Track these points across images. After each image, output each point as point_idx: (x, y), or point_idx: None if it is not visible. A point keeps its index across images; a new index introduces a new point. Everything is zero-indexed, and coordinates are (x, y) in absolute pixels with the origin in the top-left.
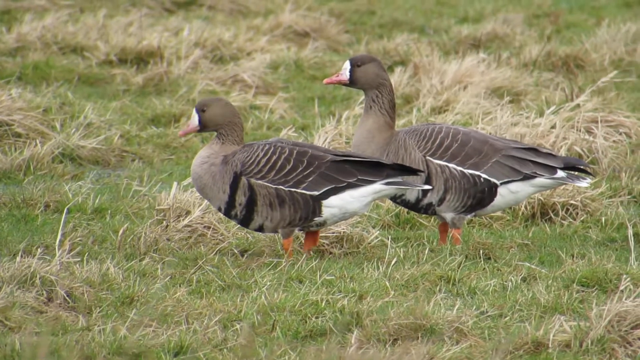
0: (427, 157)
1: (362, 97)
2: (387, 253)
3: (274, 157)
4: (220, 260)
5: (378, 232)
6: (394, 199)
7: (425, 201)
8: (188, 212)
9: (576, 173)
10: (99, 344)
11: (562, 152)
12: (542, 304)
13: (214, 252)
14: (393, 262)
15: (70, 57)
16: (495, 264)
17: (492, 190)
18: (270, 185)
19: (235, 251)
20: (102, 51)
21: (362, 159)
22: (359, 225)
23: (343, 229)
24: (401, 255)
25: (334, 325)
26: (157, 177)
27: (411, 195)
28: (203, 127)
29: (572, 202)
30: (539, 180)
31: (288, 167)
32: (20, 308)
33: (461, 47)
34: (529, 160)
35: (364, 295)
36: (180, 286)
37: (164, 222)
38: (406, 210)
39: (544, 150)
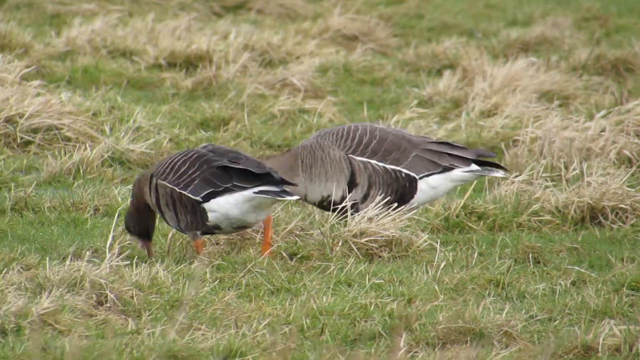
0: (349, 155)
1: (414, 101)
2: (436, 257)
3: (177, 160)
4: (269, 264)
5: (427, 235)
6: (321, 205)
7: (351, 198)
8: None
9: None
10: (148, 348)
11: (612, 156)
12: (592, 308)
13: (262, 256)
14: (442, 266)
15: (120, 61)
16: (545, 268)
17: (412, 185)
18: (167, 185)
19: (284, 255)
20: (151, 55)
21: (245, 167)
22: (408, 229)
23: (392, 232)
24: (450, 259)
25: (382, 329)
26: None
27: (337, 195)
28: (148, 236)
29: (622, 205)
30: (457, 173)
31: (182, 169)
32: (70, 311)
33: (510, 50)
34: (445, 153)
35: (412, 299)
36: (229, 290)
37: None
38: (455, 214)
39: (457, 144)
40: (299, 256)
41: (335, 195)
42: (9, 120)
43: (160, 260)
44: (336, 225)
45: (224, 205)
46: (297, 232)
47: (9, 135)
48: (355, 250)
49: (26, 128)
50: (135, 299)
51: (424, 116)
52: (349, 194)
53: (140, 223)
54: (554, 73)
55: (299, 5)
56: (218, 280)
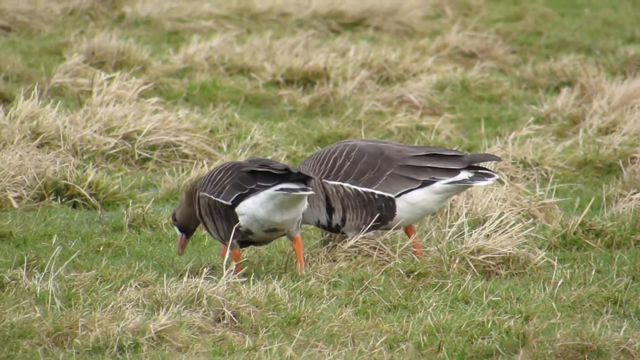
0: (323, 180)
1: (530, 118)
2: (554, 274)
3: (216, 171)
4: (386, 281)
5: (544, 253)
6: (317, 224)
7: (333, 222)
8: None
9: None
10: None
11: None
12: None
13: (379, 273)
14: (559, 283)
15: (237, 78)
16: None
17: (389, 204)
18: (207, 195)
19: (401, 272)
20: (269, 72)
21: (274, 169)
22: (526, 246)
23: (509, 250)
24: (568, 277)
25: (500, 346)
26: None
27: (323, 220)
28: (186, 231)
29: None
30: (439, 186)
31: (217, 178)
32: (187, 328)
33: (628, 67)
34: (427, 166)
35: (530, 316)
36: (346, 307)
37: (330, 242)
38: (572, 231)
39: (448, 153)
40: (416, 273)
41: (323, 220)
42: (127, 137)
43: (277, 277)
44: (453, 242)
45: (251, 207)
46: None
47: (126, 152)
48: (473, 267)
49: (144, 145)
50: (252, 315)
51: (541, 133)
52: (330, 218)
53: (185, 215)
54: None
55: (417, 22)
56: (335, 297)
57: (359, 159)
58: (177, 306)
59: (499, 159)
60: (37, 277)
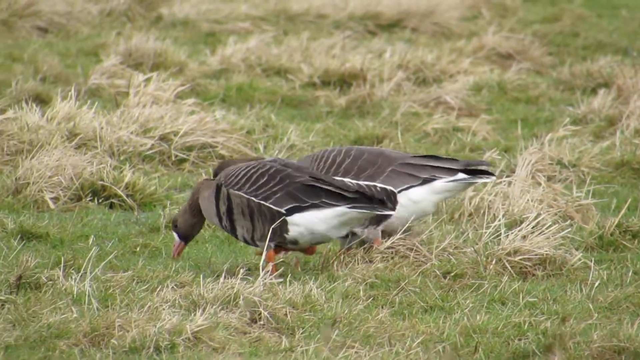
0: None
1: (567, 120)
2: (590, 275)
3: (252, 172)
4: (423, 282)
5: (581, 254)
6: None
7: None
8: (390, 234)
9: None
10: None
11: None
12: None
13: (416, 274)
14: (596, 284)
15: (274, 79)
16: None
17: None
18: (243, 195)
19: (438, 273)
20: (305, 73)
21: (333, 186)
22: (562, 247)
23: (546, 251)
24: (604, 278)
25: (536, 347)
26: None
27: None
28: (186, 239)
29: None
30: (440, 184)
31: (261, 181)
32: (224, 329)
33: None
34: (427, 165)
35: (567, 317)
36: (382, 308)
37: (366, 243)
38: (609, 232)
39: (445, 156)
40: (452, 274)
41: None
42: (163, 138)
43: (314, 278)
44: (490, 244)
45: (311, 220)
46: (451, 250)
47: (163, 153)
48: (509, 268)
49: (180, 146)
50: (288, 316)
51: (578, 134)
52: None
53: (187, 224)
54: None
55: (454, 23)
56: (371, 298)
57: (359, 157)
58: (214, 307)
59: (488, 165)
60: (74, 277)
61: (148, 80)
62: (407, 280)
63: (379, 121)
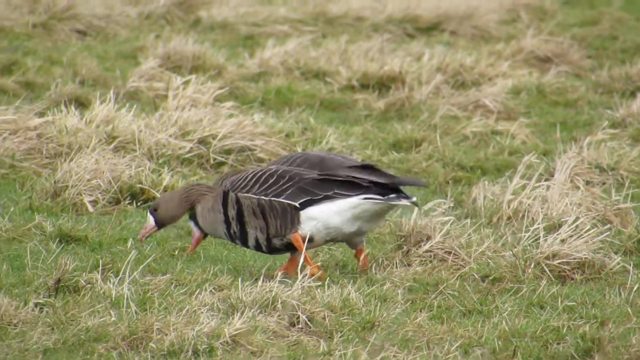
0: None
1: (605, 123)
2: (629, 279)
3: (259, 174)
4: (461, 286)
5: (620, 258)
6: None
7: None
8: (429, 238)
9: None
10: None
11: None
12: None
13: (454, 277)
14: (635, 288)
15: (312, 82)
16: None
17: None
18: (253, 196)
19: (476, 276)
20: (344, 76)
21: (346, 178)
22: (601, 251)
23: (585, 254)
24: None
25: (575, 351)
26: None
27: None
28: (160, 225)
29: None
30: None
31: (270, 181)
32: (262, 332)
33: None
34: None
35: (605, 321)
36: (420, 311)
37: (405, 247)
38: None
39: (380, 169)
40: (491, 278)
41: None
42: (202, 142)
43: (352, 281)
44: (528, 247)
45: (326, 213)
46: (489, 254)
47: (202, 156)
48: (548, 272)
49: (219, 149)
50: (327, 320)
51: (617, 137)
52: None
53: (169, 214)
54: None
55: (492, 26)
56: (410, 301)
57: (300, 166)
58: (252, 310)
59: (425, 185)
60: (112, 281)
61: (187, 83)
62: (445, 284)
63: (418, 124)
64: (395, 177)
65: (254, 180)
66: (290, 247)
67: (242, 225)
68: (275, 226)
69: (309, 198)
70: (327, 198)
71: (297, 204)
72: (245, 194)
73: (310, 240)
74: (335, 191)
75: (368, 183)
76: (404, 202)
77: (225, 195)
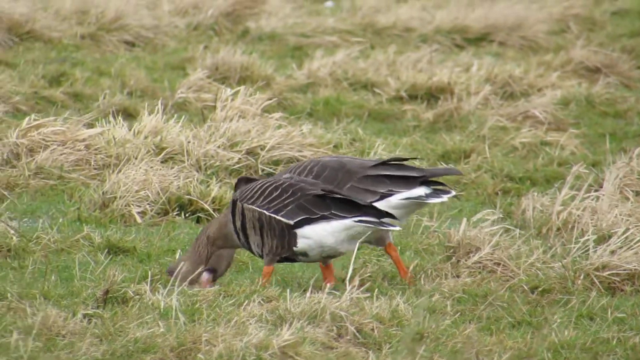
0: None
1: None
2: None
3: (266, 186)
4: (510, 297)
5: None
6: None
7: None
8: (478, 249)
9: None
10: None
11: None
12: None
13: (503, 289)
14: None
15: (361, 93)
16: None
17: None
18: (255, 208)
19: (526, 288)
20: (392, 87)
21: (345, 196)
22: None
23: (635, 266)
24: None
25: None
26: (446, 213)
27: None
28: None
29: None
30: (396, 201)
31: (274, 195)
32: (311, 344)
33: None
34: (386, 176)
35: None
36: (469, 323)
37: (454, 258)
38: None
39: (409, 163)
40: (540, 289)
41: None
42: (250, 152)
43: (400, 292)
44: (578, 259)
45: (320, 233)
46: (538, 265)
47: (250, 167)
48: (597, 283)
49: (267, 160)
50: (375, 331)
51: None
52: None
53: (193, 270)
54: None
55: (541, 37)
56: (459, 313)
57: (320, 173)
58: (300, 321)
59: (459, 173)
60: (160, 292)
61: (235, 94)
62: (494, 295)
63: (466, 135)
64: (425, 170)
65: (259, 191)
66: (287, 260)
67: (246, 237)
68: (271, 245)
69: (306, 217)
70: (323, 218)
71: (292, 223)
72: (250, 206)
73: (305, 255)
74: (332, 211)
75: (367, 204)
76: (395, 228)
77: (234, 203)
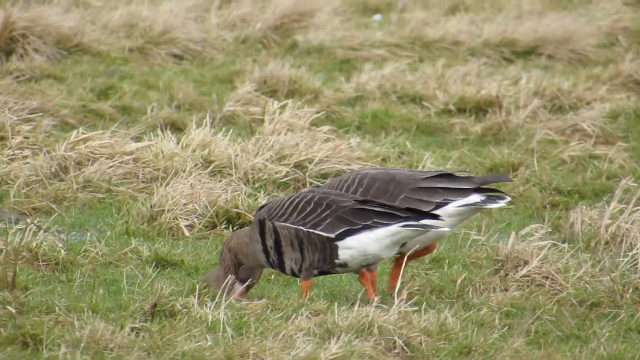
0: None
1: None
2: None
3: (297, 201)
4: (559, 311)
5: None
6: None
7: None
8: (526, 262)
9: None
10: None
11: None
12: None
13: (552, 302)
14: None
15: (409, 106)
16: None
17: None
18: (290, 225)
19: (574, 301)
20: (441, 100)
21: (383, 206)
22: None
23: None
24: None
25: None
26: (494, 226)
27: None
28: (237, 272)
29: None
30: (452, 208)
31: (308, 209)
32: (359, 357)
33: None
34: (439, 187)
35: None
36: (517, 336)
37: (502, 271)
38: None
39: (458, 174)
40: (588, 303)
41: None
42: (298, 166)
43: (448, 306)
44: (626, 272)
45: (364, 241)
46: (587, 279)
47: (298, 181)
48: None
49: (315, 173)
50: (423, 345)
51: None
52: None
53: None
54: None
55: (590, 50)
56: (507, 326)
57: (371, 185)
58: (348, 335)
59: (510, 179)
60: (208, 305)
61: (283, 107)
62: (542, 309)
63: (515, 148)
64: (475, 178)
65: (291, 208)
66: (323, 273)
67: (280, 255)
68: (312, 259)
69: (348, 228)
70: (365, 227)
71: (333, 236)
72: (283, 223)
73: (344, 266)
74: (375, 220)
75: (405, 213)
76: (441, 227)
77: (262, 224)
